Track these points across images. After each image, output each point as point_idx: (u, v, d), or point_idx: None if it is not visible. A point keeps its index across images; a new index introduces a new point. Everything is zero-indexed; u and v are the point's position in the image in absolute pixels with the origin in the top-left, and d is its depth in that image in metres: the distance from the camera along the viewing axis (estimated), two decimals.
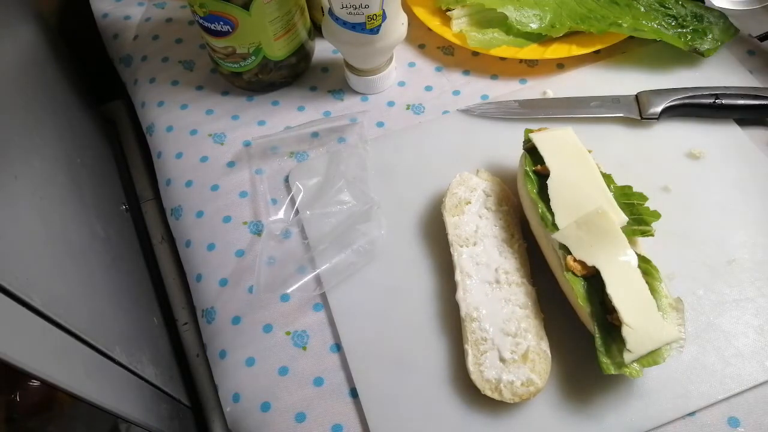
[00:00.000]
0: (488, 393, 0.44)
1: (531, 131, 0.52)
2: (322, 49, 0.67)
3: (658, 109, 0.57)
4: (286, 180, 0.58)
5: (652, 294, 0.43)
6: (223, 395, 0.50)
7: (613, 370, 0.41)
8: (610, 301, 0.42)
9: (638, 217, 0.47)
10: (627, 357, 0.41)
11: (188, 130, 0.63)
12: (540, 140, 0.50)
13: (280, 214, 0.56)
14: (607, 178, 0.49)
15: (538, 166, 0.50)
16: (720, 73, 0.61)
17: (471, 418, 0.45)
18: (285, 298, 0.52)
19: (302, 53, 0.63)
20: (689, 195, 0.54)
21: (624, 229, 0.46)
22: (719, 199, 0.54)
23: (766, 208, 0.53)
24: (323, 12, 0.58)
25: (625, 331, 0.41)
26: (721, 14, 0.62)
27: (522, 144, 0.52)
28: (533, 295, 0.47)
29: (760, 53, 0.63)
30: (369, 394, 0.47)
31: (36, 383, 0.34)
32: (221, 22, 0.56)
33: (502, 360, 0.44)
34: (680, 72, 0.62)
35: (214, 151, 0.61)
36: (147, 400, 0.49)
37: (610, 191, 0.48)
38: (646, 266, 0.44)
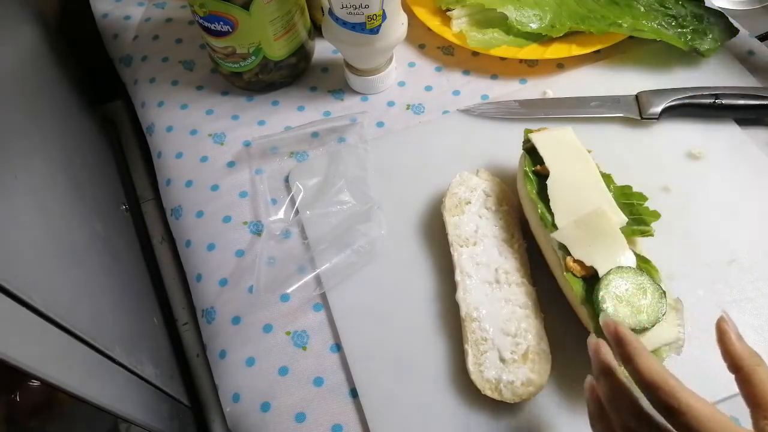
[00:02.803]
0: (488, 393, 0.44)
1: (531, 131, 0.52)
2: (322, 49, 0.67)
3: (658, 109, 0.57)
4: (286, 180, 0.58)
5: None
6: (223, 395, 0.50)
7: None
8: None
9: (638, 217, 0.47)
10: None
11: (188, 130, 0.63)
12: (540, 140, 0.50)
13: (280, 214, 0.56)
14: (607, 178, 0.49)
15: (538, 167, 0.50)
16: (720, 73, 0.61)
17: (471, 418, 0.45)
18: (285, 298, 0.52)
19: (302, 53, 0.63)
20: (689, 195, 0.54)
21: (624, 229, 0.46)
22: (719, 199, 0.54)
23: (765, 208, 0.53)
24: (323, 12, 0.58)
25: None
26: (721, 14, 0.62)
27: (522, 144, 0.52)
28: (533, 295, 0.47)
29: (760, 53, 0.63)
30: (369, 394, 0.47)
31: (36, 383, 0.34)
32: (221, 22, 0.56)
33: (502, 360, 0.44)
34: (680, 72, 0.62)
35: (214, 151, 0.61)
36: (147, 400, 0.49)
37: (610, 191, 0.48)
38: (645, 266, 0.44)
